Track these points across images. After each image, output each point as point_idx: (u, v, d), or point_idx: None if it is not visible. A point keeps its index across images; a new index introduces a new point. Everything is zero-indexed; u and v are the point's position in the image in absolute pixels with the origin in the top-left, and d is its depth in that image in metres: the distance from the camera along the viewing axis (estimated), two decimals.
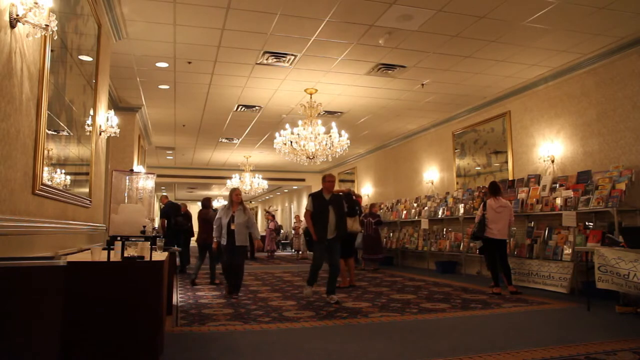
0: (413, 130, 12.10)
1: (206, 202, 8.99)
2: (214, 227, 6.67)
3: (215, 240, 6.68)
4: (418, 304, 5.86)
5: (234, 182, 16.41)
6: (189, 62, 7.33)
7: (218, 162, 17.19)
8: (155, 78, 8.08)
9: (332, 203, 6.23)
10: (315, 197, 6.30)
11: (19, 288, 2.02)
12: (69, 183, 4.19)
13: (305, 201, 21.39)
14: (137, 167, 9.67)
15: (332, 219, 6.13)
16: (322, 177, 6.49)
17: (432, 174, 11.49)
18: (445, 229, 10.36)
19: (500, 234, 6.81)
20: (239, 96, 9.16)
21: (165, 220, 10.06)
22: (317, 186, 20.38)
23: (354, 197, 9.09)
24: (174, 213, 10.11)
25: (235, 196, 6.66)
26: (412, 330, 4.47)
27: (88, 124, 4.89)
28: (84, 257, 3.41)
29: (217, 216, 6.71)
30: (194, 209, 28.61)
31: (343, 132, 8.81)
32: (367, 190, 15.35)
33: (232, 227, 6.43)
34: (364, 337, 4.22)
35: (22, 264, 2.13)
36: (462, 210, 9.54)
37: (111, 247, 3.11)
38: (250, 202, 30.78)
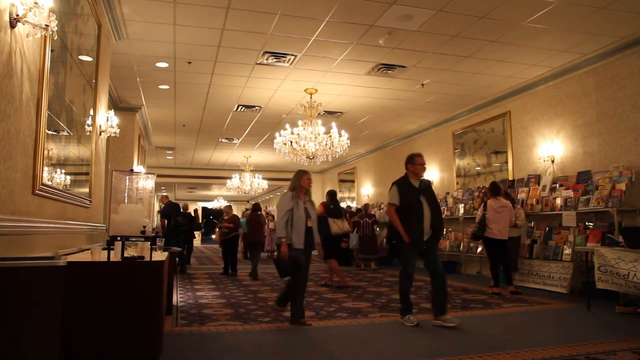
0: (413, 130, 12.10)
1: (257, 206, 10.00)
2: (281, 222, 4.76)
3: (283, 241, 4.70)
4: (418, 304, 5.85)
5: (234, 182, 16.41)
6: (189, 62, 7.33)
7: (218, 162, 17.19)
8: (155, 78, 8.08)
9: (423, 192, 4.78)
10: (401, 185, 4.81)
11: (19, 288, 2.01)
12: (69, 183, 4.19)
13: None
14: (137, 167, 9.68)
15: (426, 214, 4.67)
16: (409, 157, 4.89)
17: (432, 174, 11.49)
18: (445, 229, 10.36)
19: (500, 234, 6.80)
20: (239, 96, 9.16)
21: (165, 220, 10.06)
22: (317, 186, 20.39)
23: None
24: (174, 213, 10.12)
25: (306, 181, 4.98)
26: (412, 330, 4.47)
27: (88, 124, 4.90)
28: (84, 257, 3.41)
29: (283, 208, 4.80)
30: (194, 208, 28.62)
31: (343, 132, 8.82)
32: (367, 190, 15.35)
33: (309, 223, 4.84)
34: (364, 337, 4.22)
35: (22, 264, 2.13)
36: (462, 210, 9.54)
37: (111, 247, 3.11)
38: (249, 202, 30.77)
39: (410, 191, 4.74)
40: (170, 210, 10.17)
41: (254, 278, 8.92)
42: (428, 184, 4.96)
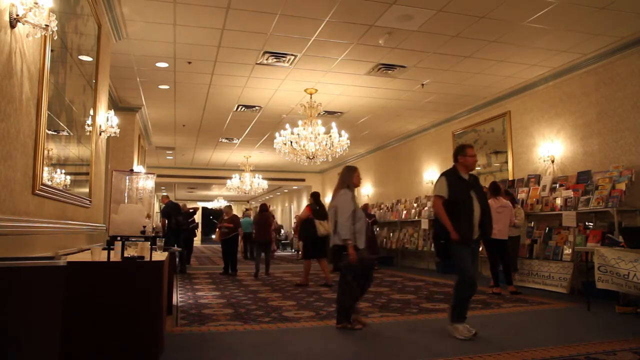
0: (413, 130, 12.11)
1: (265, 207, 10.28)
2: (347, 224, 4.45)
3: (350, 243, 4.40)
4: (418, 304, 5.86)
5: (234, 182, 16.41)
6: (189, 62, 7.33)
7: (218, 162, 17.19)
8: (155, 78, 8.08)
9: (473, 186, 4.30)
10: (451, 177, 4.29)
11: (19, 288, 2.01)
12: (69, 183, 4.19)
13: (305, 201, 21.39)
14: (137, 167, 9.68)
15: (476, 211, 4.18)
16: (459, 148, 4.40)
17: (432, 174, 11.49)
18: None
19: (500, 234, 6.80)
20: (239, 96, 9.16)
21: (166, 220, 10.07)
22: (317, 186, 20.39)
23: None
24: (174, 213, 10.12)
25: (357, 178, 4.76)
26: (412, 330, 4.47)
27: (88, 124, 4.90)
28: (84, 257, 3.41)
29: (348, 209, 4.50)
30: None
31: (343, 132, 8.82)
32: (367, 190, 15.35)
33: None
34: (364, 337, 4.22)
35: (22, 264, 2.13)
36: None
37: (111, 247, 3.11)
38: (248, 202, 30.78)
39: (460, 184, 4.24)
40: (171, 210, 10.17)
41: (267, 274, 9.59)
42: (477, 178, 4.50)
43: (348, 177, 4.72)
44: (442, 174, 4.38)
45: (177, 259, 9.51)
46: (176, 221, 9.98)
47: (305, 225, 8.13)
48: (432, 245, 7.95)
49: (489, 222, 4.29)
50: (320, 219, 7.99)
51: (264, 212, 10.15)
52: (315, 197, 8.44)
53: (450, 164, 4.41)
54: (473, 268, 4.15)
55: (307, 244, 8.16)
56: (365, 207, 11.93)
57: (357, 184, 4.76)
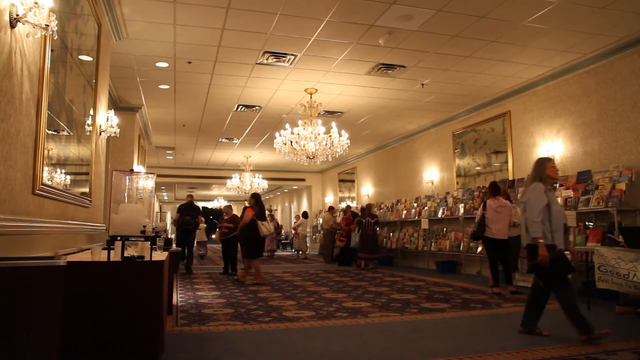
0: (413, 130, 12.11)
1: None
2: (537, 220, 3.99)
3: (542, 243, 3.96)
4: (418, 304, 5.86)
5: (234, 182, 16.41)
6: (189, 62, 7.33)
7: (218, 162, 17.19)
8: (155, 78, 8.08)
9: None
10: None
11: (19, 288, 2.01)
12: (69, 183, 4.19)
13: (305, 201, 21.41)
14: (137, 167, 9.68)
15: None
16: None
17: (432, 174, 11.50)
18: (445, 229, 10.36)
19: (500, 234, 6.81)
20: (239, 96, 9.16)
21: (179, 216, 10.18)
22: (317, 186, 20.41)
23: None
24: (185, 212, 10.17)
25: (552, 169, 4.23)
26: (412, 330, 4.47)
27: (88, 124, 4.90)
28: (84, 257, 3.41)
29: (539, 204, 4.03)
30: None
31: (343, 132, 8.81)
32: (367, 190, 15.35)
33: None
34: (364, 337, 4.22)
35: (22, 264, 2.13)
36: (462, 210, 9.54)
37: (111, 247, 3.11)
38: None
39: None
40: (184, 209, 10.25)
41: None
42: None
43: (540, 169, 4.25)
44: None
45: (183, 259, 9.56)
46: (183, 220, 10.03)
47: (250, 227, 8.16)
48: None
49: None
50: (261, 219, 8.15)
51: None
52: (256, 198, 8.50)
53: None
54: None
55: (250, 243, 8.19)
56: (369, 207, 11.87)
57: (553, 175, 4.24)
